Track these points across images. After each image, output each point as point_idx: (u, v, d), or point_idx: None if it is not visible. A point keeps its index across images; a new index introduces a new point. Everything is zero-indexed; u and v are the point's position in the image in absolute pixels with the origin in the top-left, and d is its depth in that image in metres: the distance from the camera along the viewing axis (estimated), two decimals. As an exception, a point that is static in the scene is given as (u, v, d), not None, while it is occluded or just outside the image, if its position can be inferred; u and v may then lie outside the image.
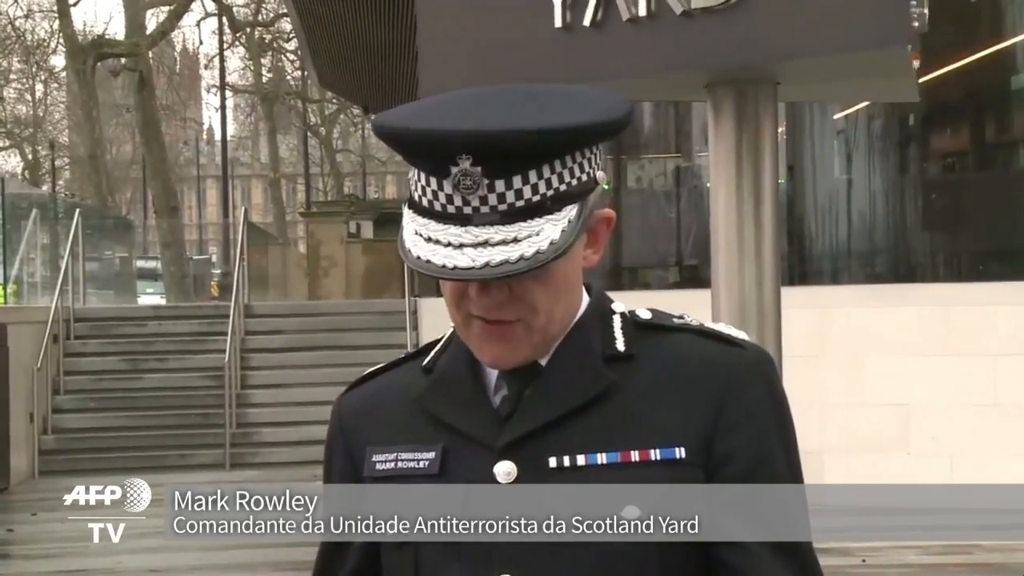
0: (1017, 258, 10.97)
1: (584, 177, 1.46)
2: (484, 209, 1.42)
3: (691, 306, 2.02)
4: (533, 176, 1.42)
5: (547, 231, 1.42)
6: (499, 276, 1.40)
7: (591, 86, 1.57)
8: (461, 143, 1.39)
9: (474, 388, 1.52)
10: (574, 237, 1.43)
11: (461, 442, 1.49)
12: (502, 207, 1.42)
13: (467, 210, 1.42)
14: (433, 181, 1.43)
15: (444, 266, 1.41)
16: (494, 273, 1.40)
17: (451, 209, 1.43)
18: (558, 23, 3.58)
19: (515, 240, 1.41)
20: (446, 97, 1.49)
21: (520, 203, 1.42)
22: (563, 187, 1.44)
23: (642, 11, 3.43)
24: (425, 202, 1.45)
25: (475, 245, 1.41)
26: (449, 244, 1.42)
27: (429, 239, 1.43)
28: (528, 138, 1.40)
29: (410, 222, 1.47)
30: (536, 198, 1.42)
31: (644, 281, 12.99)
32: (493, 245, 1.41)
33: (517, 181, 1.41)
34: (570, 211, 1.44)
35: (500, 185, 1.41)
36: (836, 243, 11.93)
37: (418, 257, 1.43)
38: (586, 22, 3.52)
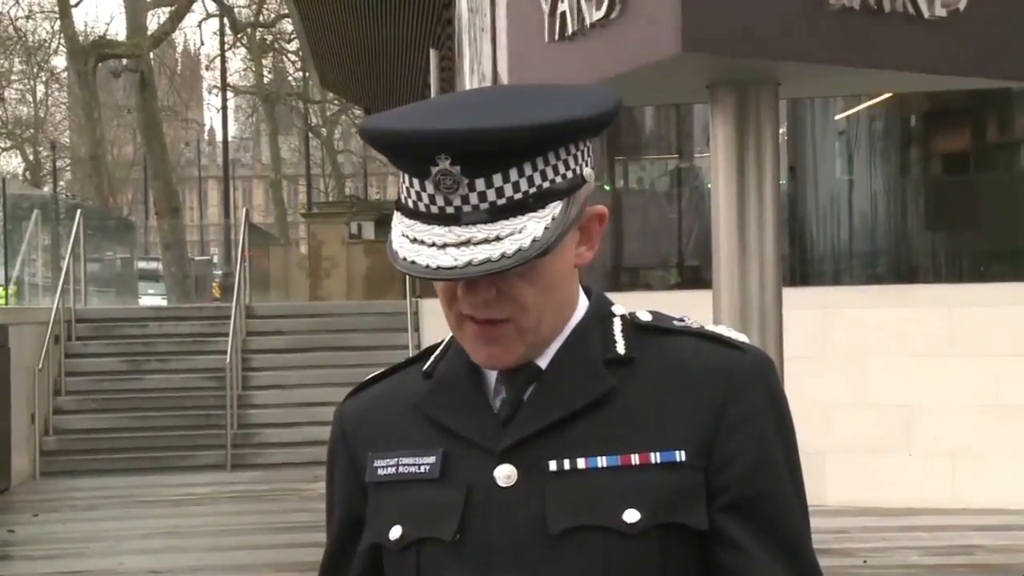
0: (1019, 259, 10.96)
1: (569, 174, 1.45)
2: (466, 208, 1.42)
3: (692, 307, 2.02)
4: (514, 174, 1.42)
5: (530, 228, 1.41)
6: (482, 274, 1.40)
7: (594, 86, 1.56)
8: (438, 142, 1.40)
9: (473, 392, 1.52)
10: (558, 234, 1.43)
11: (461, 446, 1.49)
12: (484, 206, 1.41)
13: (450, 210, 1.42)
14: (416, 182, 1.44)
15: (428, 266, 1.41)
16: (477, 272, 1.40)
17: (434, 209, 1.43)
18: (546, 39, 3.65)
19: (497, 238, 1.41)
20: (436, 99, 1.51)
21: (502, 201, 1.41)
22: (546, 184, 1.43)
23: (577, 25, 3.53)
24: (411, 203, 1.45)
25: (458, 244, 1.41)
26: (433, 244, 1.42)
27: (415, 240, 1.44)
28: (503, 135, 1.39)
29: (398, 224, 1.48)
30: (518, 196, 1.42)
31: (645, 282, 12.98)
32: (476, 244, 1.41)
33: (498, 179, 1.41)
34: (554, 208, 1.43)
35: (480, 184, 1.41)
36: (837, 244, 11.93)
37: (404, 258, 1.44)
38: (569, 32, 3.56)
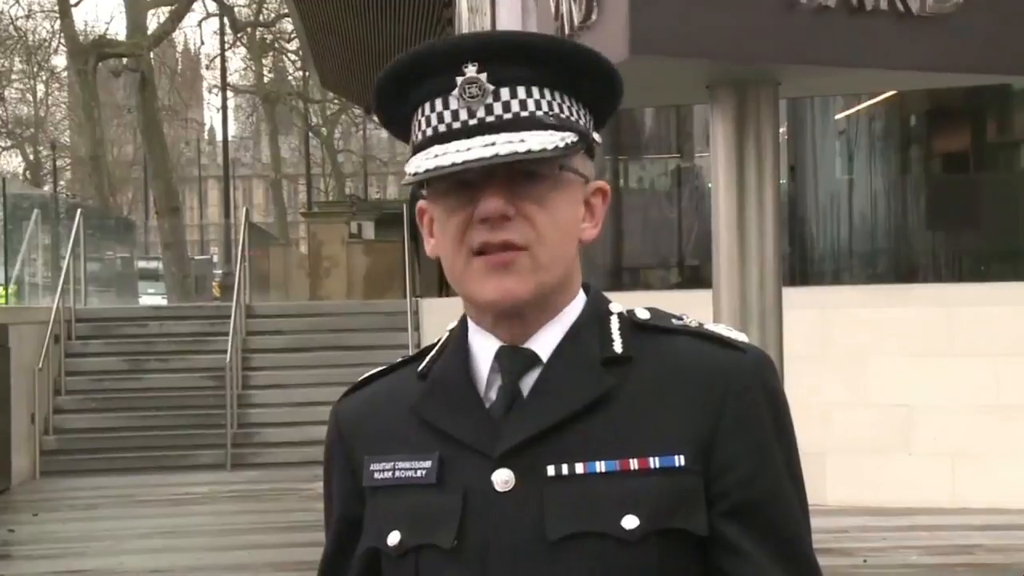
0: (1019, 258, 10.97)
1: (583, 122, 1.49)
2: (490, 119, 1.44)
3: (692, 307, 2.01)
4: (536, 92, 1.45)
5: (551, 139, 1.44)
6: (508, 161, 1.41)
7: None
8: (466, 48, 1.44)
9: (468, 393, 1.50)
10: (575, 158, 1.47)
11: (458, 450, 1.48)
12: (507, 116, 1.44)
13: (473, 122, 1.44)
14: (438, 103, 1.46)
15: (453, 163, 1.42)
16: (503, 160, 1.41)
17: (456, 125, 1.45)
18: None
19: (522, 141, 1.43)
20: None
21: (525, 113, 1.44)
22: (564, 115, 1.47)
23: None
24: (430, 132, 1.47)
25: (483, 145, 1.43)
26: (457, 151, 1.43)
27: (436, 156, 1.45)
28: (533, 40, 1.45)
29: (414, 159, 1.49)
30: (539, 113, 1.45)
31: (645, 281, 12.99)
32: (501, 143, 1.42)
33: (521, 91, 1.45)
34: (572, 136, 1.46)
35: (505, 93, 1.44)
36: (837, 243, 11.93)
37: (426, 170, 1.45)
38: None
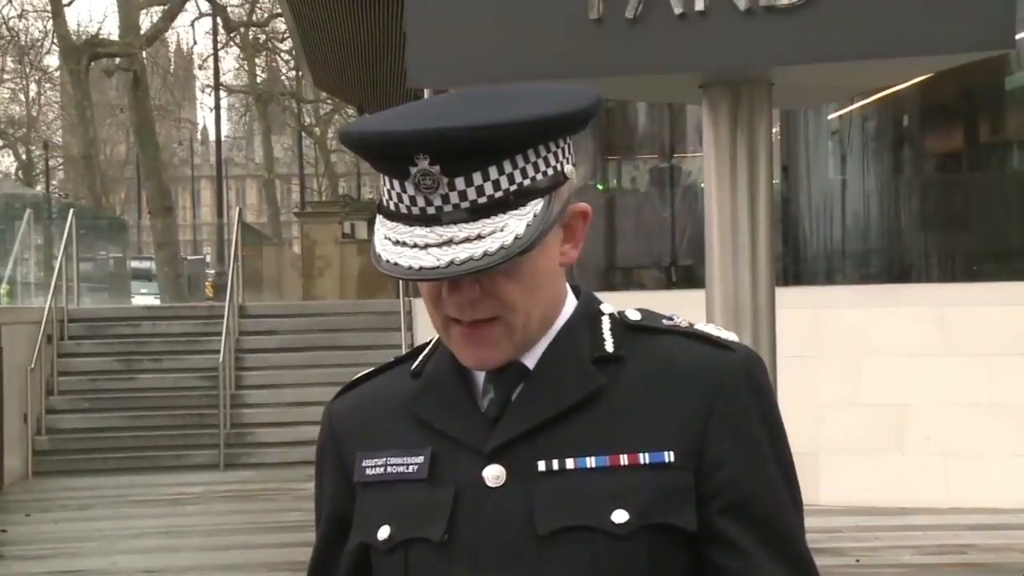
0: (1011, 258, 10.98)
1: (549, 171, 1.45)
2: (447, 208, 1.42)
3: (685, 306, 2.02)
4: (493, 172, 1.42)
5: (511, 226, 1.41)
6: (464, 273, 1.40)
7: (570, 85, 1.55)
8: (415, 142, 1.40)
9: (462, 392, 1.52)
10: (540, 232, 1.43)
11: (450, 446, 1.49)
12: (464, 204, 1.42)
13: (430, 210, 1.42)
14: (396, 184, 1.44)
15: (410, 267, 1.41)
16: (459, 271, 1.40)
17: (415, 210, 1.43)
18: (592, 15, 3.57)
19: (479, 237, 1.41)
20: (416, 103, 1.51)
21: (482, 200, 1.42)
22: (527, 182, 1.43)
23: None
24: (392, 205, 1.46)
25: (440, 244, 1.41)
26: (415, 245, 1.42)
27: (397, 242, 1.44)
28: (479, 133, 1.40)
29: (380, 227, 1.48)
30: (498, 194, 1.42)
31: (639, 281, 13.00)
32: (457, 243, 1.41)
33: (477, 178, 1.41)
34: (535, 206, 1.43)
35: (460, 183, 1.41)
36: (830, 243, 11.94)
37: (387, 261, 1.44)
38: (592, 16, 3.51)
